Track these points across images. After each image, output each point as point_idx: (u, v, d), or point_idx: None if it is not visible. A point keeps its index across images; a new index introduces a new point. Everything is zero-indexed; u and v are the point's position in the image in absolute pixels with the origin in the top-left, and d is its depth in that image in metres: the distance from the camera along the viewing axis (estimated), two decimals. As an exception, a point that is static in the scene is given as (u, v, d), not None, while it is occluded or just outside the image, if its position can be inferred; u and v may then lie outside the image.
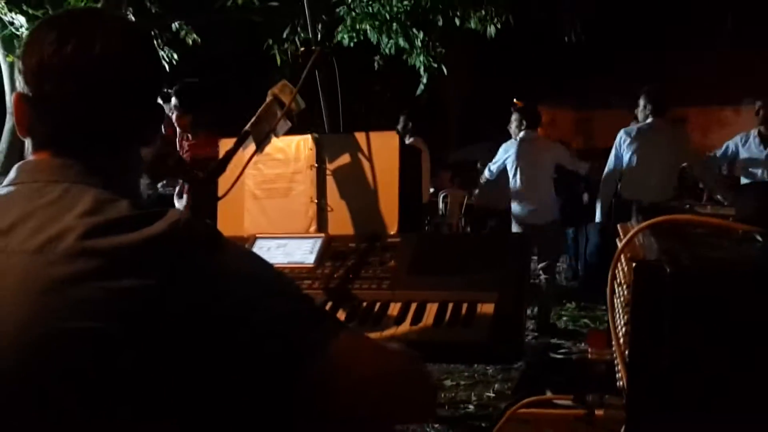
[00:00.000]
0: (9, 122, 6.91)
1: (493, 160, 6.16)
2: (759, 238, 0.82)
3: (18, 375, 0.85)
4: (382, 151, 1.81)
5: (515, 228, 6.03)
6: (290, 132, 1.81)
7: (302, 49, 1.82)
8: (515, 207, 6.00)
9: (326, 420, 0.94)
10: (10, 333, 0.85)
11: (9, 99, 5.48)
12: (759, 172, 6.05)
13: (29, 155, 1.03)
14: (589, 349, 1.31)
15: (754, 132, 6.00)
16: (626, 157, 5.51)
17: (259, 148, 1.69)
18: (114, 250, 0.86)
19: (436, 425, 3.81)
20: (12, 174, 1.01)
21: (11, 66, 6.75)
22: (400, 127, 6.67)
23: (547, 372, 1.39)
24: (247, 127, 1.65)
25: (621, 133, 5.61)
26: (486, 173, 6.30)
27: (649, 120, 5.46)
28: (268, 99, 1.71)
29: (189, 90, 4.60)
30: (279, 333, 0.89)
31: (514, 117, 6.02)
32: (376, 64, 8.92)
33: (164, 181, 4.90)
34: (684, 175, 5.50)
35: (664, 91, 5.78)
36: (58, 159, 0.99)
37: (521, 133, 5.92)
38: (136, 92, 1.04)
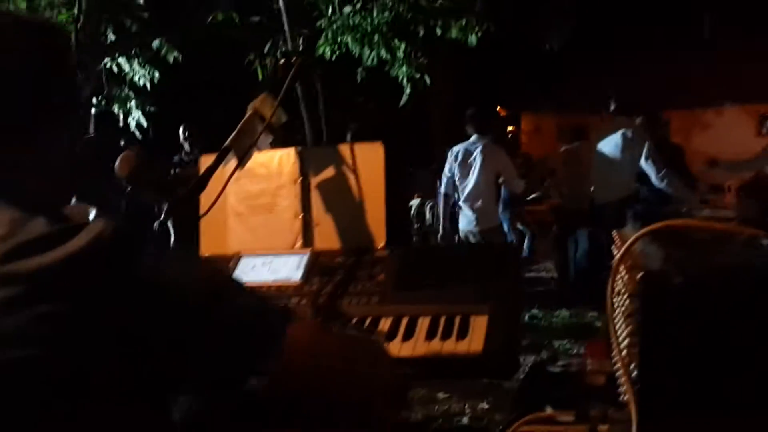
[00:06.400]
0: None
1: (445, 169, 6.24)
2: (765, 242, 0.78)
3: None
4: (367, 162, 1.77)
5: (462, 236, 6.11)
6: (273, 146, 1.76)
7: (282, 61, 1.77)
8: (460, 214, 6.11)
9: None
10: None
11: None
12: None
13: None
14: (588, 361, 1.27)
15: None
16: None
17: (241, 163, 1.63)
18: (34, 273, 0.80)
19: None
20: None
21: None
22: None
23: (545, 386, 1.34)
24: (228, 142, 1.60)
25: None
26: (444, 181, 6.28)
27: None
28: (249, 113, 1.66)
29: None
30: (224, 344, 0.87)
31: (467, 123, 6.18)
32: (358, 76, 8.90)
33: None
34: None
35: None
36: None
37: (471, 138, 6.07)
38: (38, 85, 0.96)
